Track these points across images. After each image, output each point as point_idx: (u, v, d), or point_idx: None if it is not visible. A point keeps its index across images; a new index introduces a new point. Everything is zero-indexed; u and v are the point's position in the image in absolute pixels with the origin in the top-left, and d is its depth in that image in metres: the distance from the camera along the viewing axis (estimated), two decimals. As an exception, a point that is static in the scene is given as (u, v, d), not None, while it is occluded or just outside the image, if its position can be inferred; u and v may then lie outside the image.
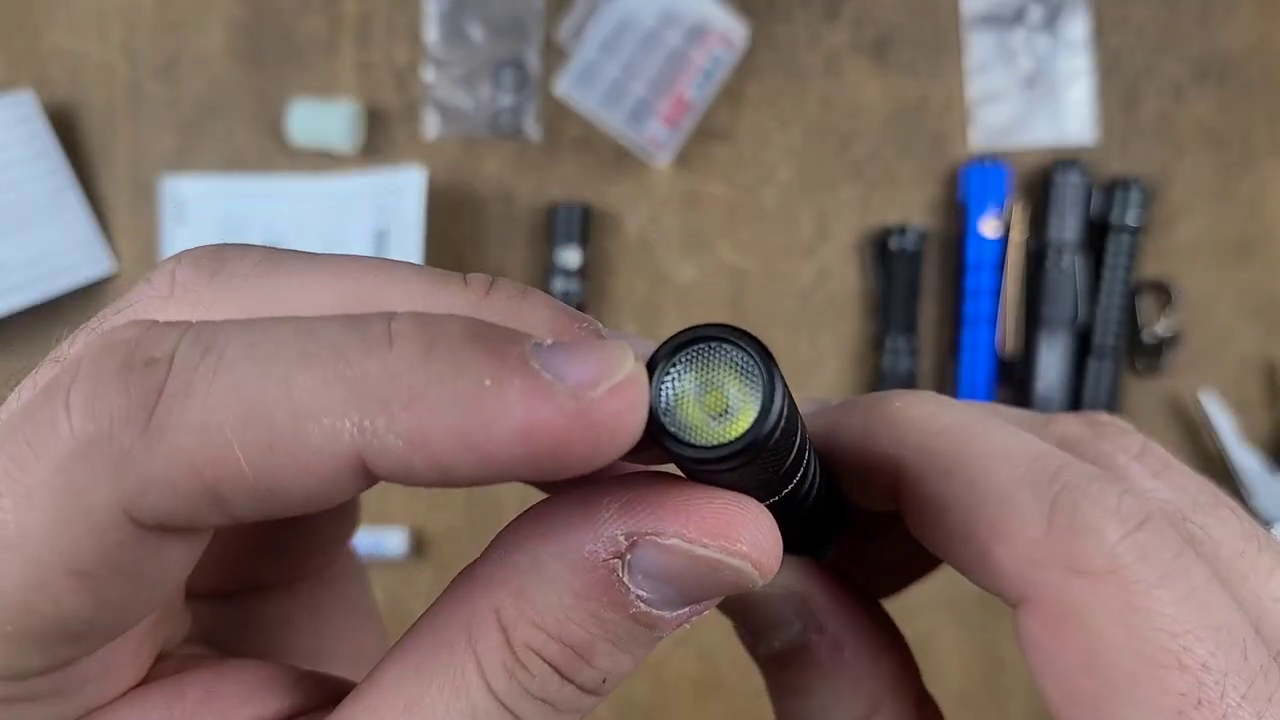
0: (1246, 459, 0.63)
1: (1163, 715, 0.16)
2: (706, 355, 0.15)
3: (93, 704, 0.17)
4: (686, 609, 0.16)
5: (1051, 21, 0.66)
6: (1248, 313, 0.66)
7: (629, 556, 0.15)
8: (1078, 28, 0.66)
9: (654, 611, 0.15)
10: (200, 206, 0.68)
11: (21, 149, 0.66)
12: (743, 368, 0.15)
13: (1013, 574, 0.17)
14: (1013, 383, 0.66)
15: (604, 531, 0.15)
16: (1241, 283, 0.66)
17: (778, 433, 0.15)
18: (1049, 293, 0.65)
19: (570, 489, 0.16)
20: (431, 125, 0.68)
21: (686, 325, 0.15)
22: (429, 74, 0.68)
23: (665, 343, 0.15)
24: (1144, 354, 0.66)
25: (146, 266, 0.69)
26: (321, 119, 0.66)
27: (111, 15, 0.69)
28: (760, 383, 0.15)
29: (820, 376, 0.68)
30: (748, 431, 0.15)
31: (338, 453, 0.14)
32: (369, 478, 0.14)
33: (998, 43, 0.66)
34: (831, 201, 0.67)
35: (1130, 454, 0.19)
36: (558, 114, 0.67)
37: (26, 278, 0.66)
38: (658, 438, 0.15)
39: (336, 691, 0.18)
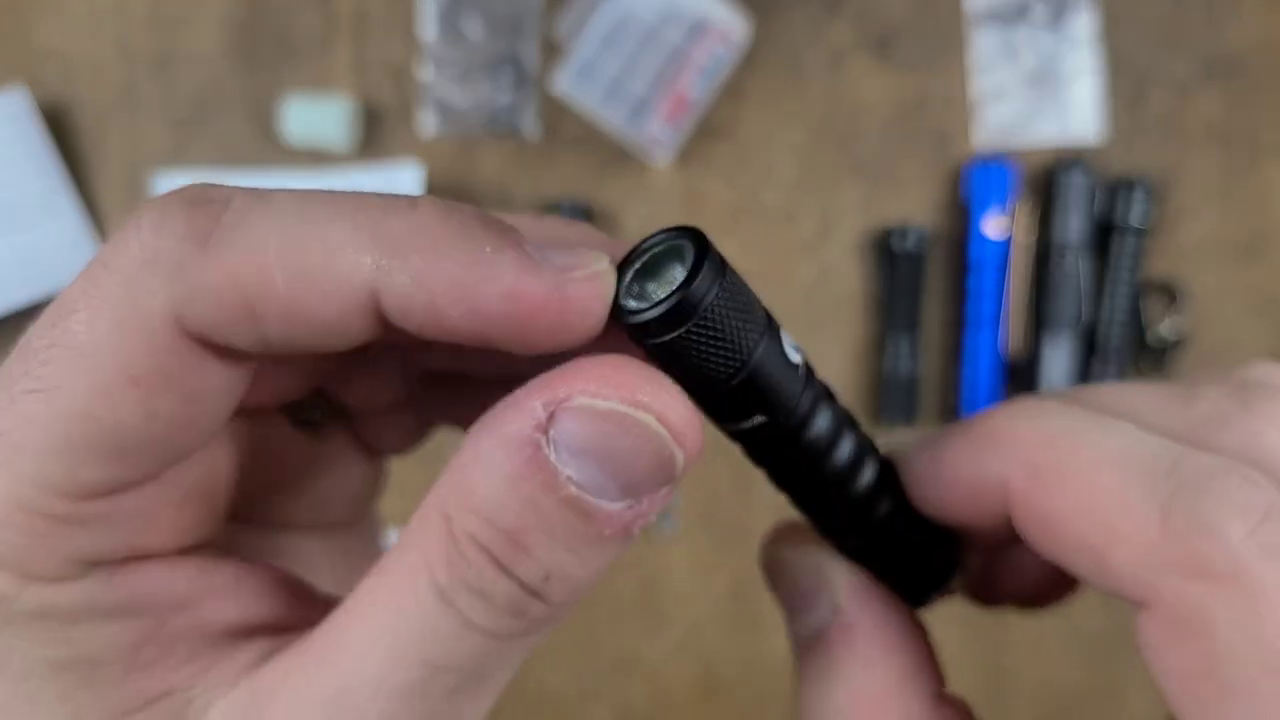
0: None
1: None
2: (662, 249, 0.18)
3: (135, 547, 0.18)
4: (628, 504, 0.16)
5: (1056, 19, 0.66)
6: (1255, 313, 0.66)
7: (551, 432, 0.16)
8: (1083, 25, 0.65)
9: (588, 498, 0.16)
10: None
11: (13, 147, 0.65)
12: (683, 254, 0.17)
13: (1130, 580, 0.17)
14: (1017, 384, 0.65)
15: (526, 406, 0.16)
16: (1249, 283, 0.66)
17: (708, 296, 0.17)
18: (1054, 293, 0.64)
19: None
20: (428, 123, 0.67)
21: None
22: (426, 71, 0.67)
23: (630, 253, 0.18)
24: (1150, 355, 0.65)
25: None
26: (317, 117, 0.65)
27: (104, 12, 0.68)
28: (692, 258, 0.17)
29: (821, 376, 0.67)
30: (675, 289, 0.17)
31: (356, 284, 0.16)
32: (377, 320, 0.17)
33: (1002, 40, 0.66)
34: (833, 200, 0.67)
35: (1265, 447, 0.18)
36: (556, 112, 0.66)
37: (19, 278, 0.65)
38: (616, 316, 0.17)
39: None
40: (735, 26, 0.63)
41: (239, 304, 0.16)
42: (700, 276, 0.17)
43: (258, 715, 0.18)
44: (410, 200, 0.17)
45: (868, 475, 0.20)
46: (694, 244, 0.17)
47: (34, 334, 0.17)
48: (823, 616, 0.20)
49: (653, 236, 0.18)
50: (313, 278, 0.16)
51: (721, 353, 0.17)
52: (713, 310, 0.17)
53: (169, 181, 0.67)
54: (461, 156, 0.67)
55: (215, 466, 0.20)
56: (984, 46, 0.66)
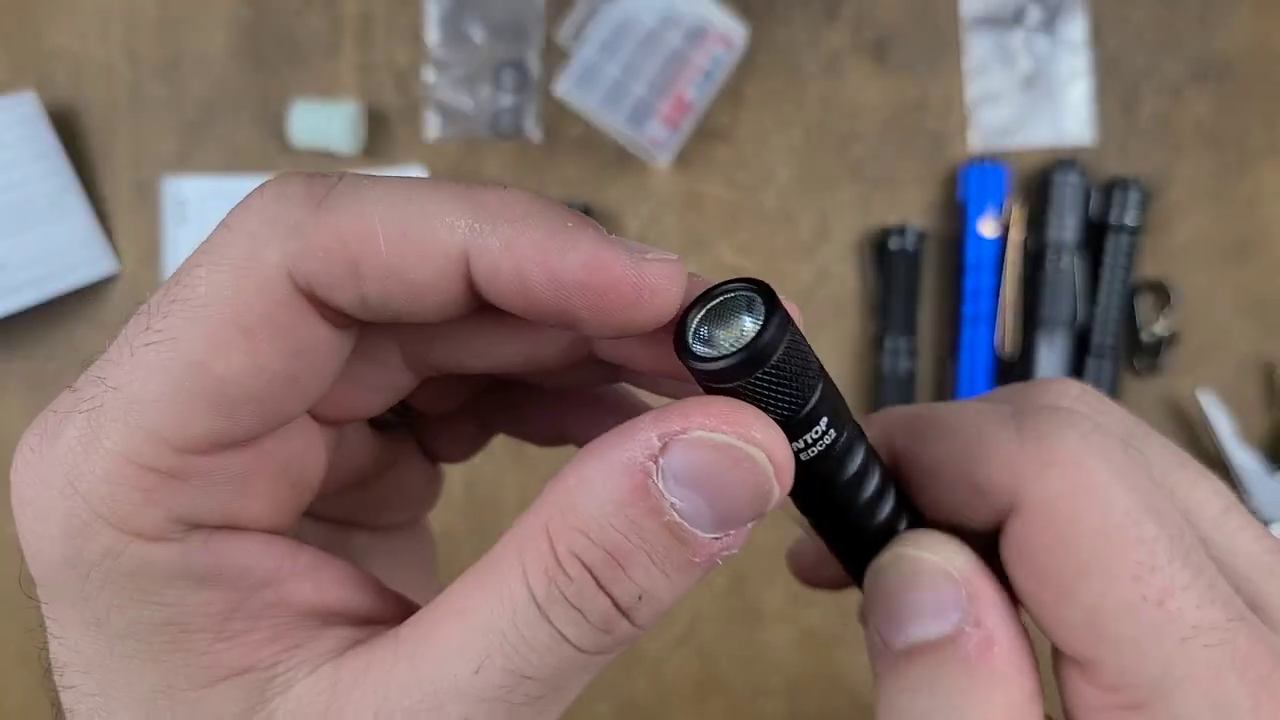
0: (1244, 458, 0.64)
1: (1124, 583, 0.19)
2: (729, 298, 0.19)
3: (230, 514, 0.19)
4: (719, 535, 0.17)
5: (1050, 22, 0.67)
6: (1246, 313, 0.67)
7: (662, 460, 0.17)
8: (1076, 28, 0.66)
9: (687, 526, 0.17)
10: (202, 207, 0.68)
11: (23, 149, 0.66)
12: (751, 306, 0.18)
13: (998, 488, 0.20)
14: (1012, 382, 0.66)
15: (641, 437, 0.17)
16: (1239, 283, 0.66)
17: (777, 351, 0.18)
18: (1048, 293, 0.65)
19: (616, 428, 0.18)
20: (432, 126, 0.68)
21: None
22: (430, 75, 0.68)
23: (699, 297, 0.19)
24: (1142, 354, 0.66)
25: (148, 267, 0.69)
26: (322, 120, 0.66)
27: (113, 16, 0.69)
28: (762, 311, 0.18)
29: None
30: (749, 344, 0.18)
31: (450, 245, 0.18)
32: (468, 290, 0.18)
33: (997, 43, 0.67)
34: (831, 202, 0.68)
35: (1071, 395, 0.22)
36: (558, 115, 0.67)
37: (29, 278, 0.66)
38: (684, 357, 0.18)
39: (412, 611, 0.21)
40: (734, 30, 0.64)
41: (345, 260, 0.18)
42: (771, 331, 0.18)
43: (339, 702, 0.18)
44: (501, 184, 0.18)
45: (889, 504, 0.22)
46: (764, 299, 0.18)
47: (155, 295, 0.18)
48: (944, 627, 0.20)
49: (720, 285, 0.19)
50: (411, 238, 0.18)
51: (782, 399, 0.18)
52: (779, 364, 0.18)
53: (176, 187, 0.68)
54: (465, 159, 0.68)
55: (308, 450, 0.21)
56: (979, 50, 0.67)
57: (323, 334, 0.19)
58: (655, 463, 0.17)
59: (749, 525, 0.18)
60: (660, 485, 0.17)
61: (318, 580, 0.20)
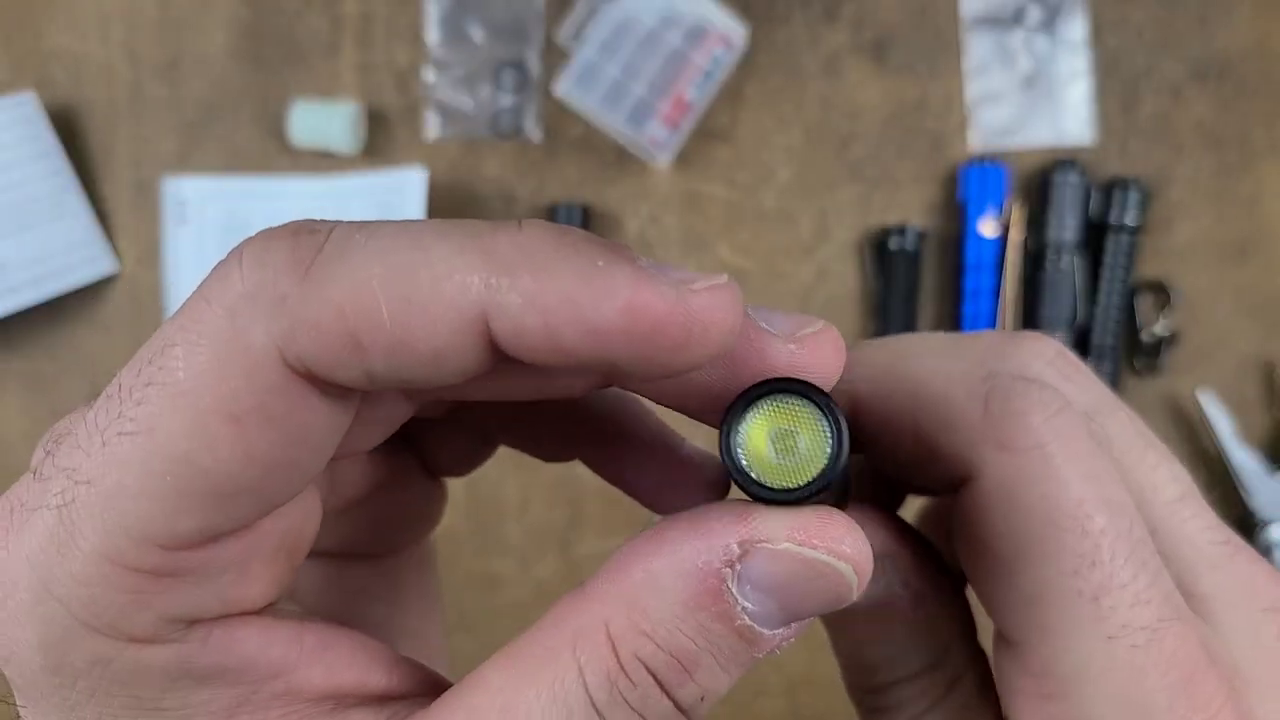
0: (1244, 458, 0.64)
1: (1063, 574, 0.19)
2: (777, 405, 0.17)
3: (228, 604, 0.18)
4: (782, 629, 0.17)
5: (1050, 22, 0.67)
6: (1246, 313, 0.67)
7: (739, 566, 0.16)
8: (1076, 28, 0.66)
9: (756, 627, 0.16)
10: (202, 207, 0.68)
11: (23, 149, 0.66)
12: (809, 418, 0.17)
13: (958, 458, 0.20)
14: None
15: (718, 541, 0.16)
16: (1239, 283, 0.66)
17: (842, 468, 0.17)
18: (1048, 292, 0.65)
19: (680, 516, 0.17)
20: (432, 126, 0.68)
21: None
22: (430, 75, 0.68)
23: (741, 394, 0.17)
24: (1143, 354, 0.66)
25: (148, 267, 0.69)
26: (323, 119, 0.66)
27: (113, 16, 0.69)
28: (829, 432, 0.17)
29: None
30: (822, 474, 0.17)
31: (464, 307, 0.15)
32: (488, 349, 0.16)
33: (997, 43, 0.67)
34: (831, 202, 0.68)
35: (1045, 359, 0.22)
36: (558, 115, 0.67)
37: (29, 277, 0.66)
38: (741, 481, 0.17)
39: (432, 682, 0.20)
40: (734, 30, 0.64)
41: (343, 335, 0.15)
42: (844, 455, 0.17)
43: None
44: (515, 222, 0.16)
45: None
46: (830, 422, 0.17)
47: (125, 373, 0.16)
48: (882, 585, 0.22)
49: (766, 388, 0.17)
50: (419, 303, 0.15)
51: (839, 489, 0.19)
52: (845, 468, 0.17)
53: (176, 187, 0.68)
54: (465, 158, 0.68)
55: (307, 510, 0.19)
56: (979, 50, 0.67)
57: (322, 411, 0.17)
58: (732, 569, 0.16)
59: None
60: (734, 589, 0.16)
61: (328, 662, 0.19)
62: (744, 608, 0.16)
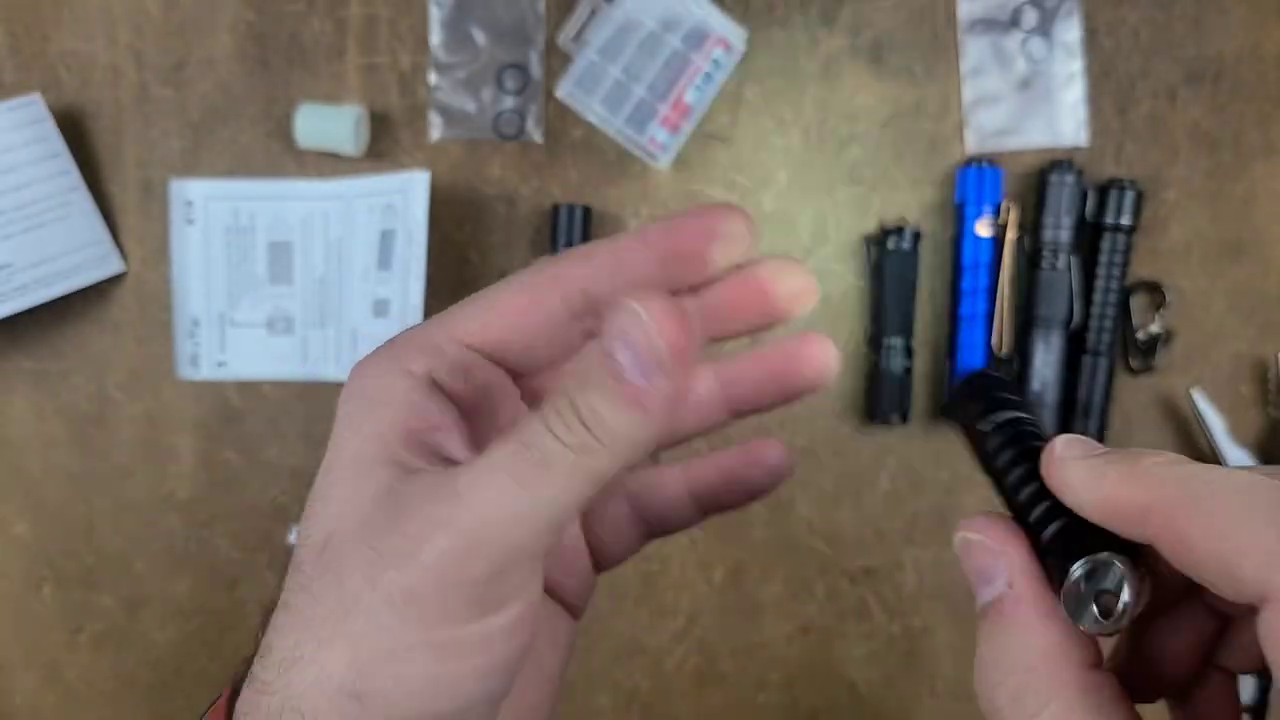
0: (1238, 457, 0.64)
1: None
2: (1099, 566, 0.23)
3: (509, 664, 0.24)
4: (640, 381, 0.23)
5: (1046, 25, 0.67)
6: (1239, 313, 0.67)
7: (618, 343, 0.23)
8: (1072, 31, 0.67)
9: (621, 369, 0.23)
10: (208, 208, 0.69)
11: (31, 151, 0.67)
12: (1121, 577, 0.23)
13: (1253, 581, 0.21)
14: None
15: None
16: (1233, 283, 0.67)
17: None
18: (1043, 292, 0.66)
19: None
20: (435, 128, 0.69)
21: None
22: (433, 77, 0.69)
23: (1072, 548, 0.24)
24: (1137, 353, 0.67)
25: (155, 267, 0.70)
26: (327, 122, 0.67)
27: (119, 19, 0.70)
28: (1133, 588, 0.23)
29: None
30: (1128, 610, 0.23)
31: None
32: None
33: (993, 46, 0.67)
34: (829, 203, 0.68)
35: None
36: (560, 117, 0.68)
37: (37, 277, 0.66)
38: (1080, 621, 0.23)
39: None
40: (734, 33, 0.65)
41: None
42: (1143, 600, 0.23)
43: None
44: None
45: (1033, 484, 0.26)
46: (1132, 575, 0.23)
47: None
48: (999, 589, 0.25)
49: (1091, 558, 0.23)
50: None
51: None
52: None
53: (182, 188, 0.69)
54: (467, 160, 0.69)
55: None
56: (975, 53, 0.67)
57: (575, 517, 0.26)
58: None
59: (662, 381, 0.22)
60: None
61: None
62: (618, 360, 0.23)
